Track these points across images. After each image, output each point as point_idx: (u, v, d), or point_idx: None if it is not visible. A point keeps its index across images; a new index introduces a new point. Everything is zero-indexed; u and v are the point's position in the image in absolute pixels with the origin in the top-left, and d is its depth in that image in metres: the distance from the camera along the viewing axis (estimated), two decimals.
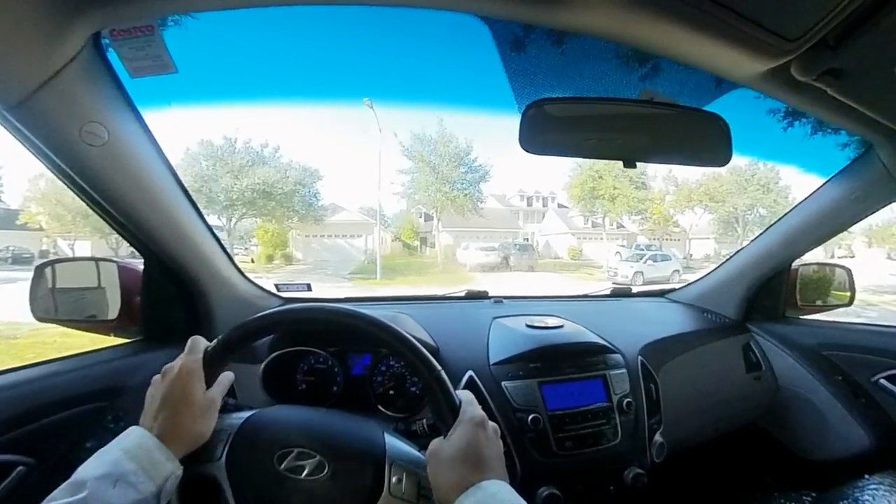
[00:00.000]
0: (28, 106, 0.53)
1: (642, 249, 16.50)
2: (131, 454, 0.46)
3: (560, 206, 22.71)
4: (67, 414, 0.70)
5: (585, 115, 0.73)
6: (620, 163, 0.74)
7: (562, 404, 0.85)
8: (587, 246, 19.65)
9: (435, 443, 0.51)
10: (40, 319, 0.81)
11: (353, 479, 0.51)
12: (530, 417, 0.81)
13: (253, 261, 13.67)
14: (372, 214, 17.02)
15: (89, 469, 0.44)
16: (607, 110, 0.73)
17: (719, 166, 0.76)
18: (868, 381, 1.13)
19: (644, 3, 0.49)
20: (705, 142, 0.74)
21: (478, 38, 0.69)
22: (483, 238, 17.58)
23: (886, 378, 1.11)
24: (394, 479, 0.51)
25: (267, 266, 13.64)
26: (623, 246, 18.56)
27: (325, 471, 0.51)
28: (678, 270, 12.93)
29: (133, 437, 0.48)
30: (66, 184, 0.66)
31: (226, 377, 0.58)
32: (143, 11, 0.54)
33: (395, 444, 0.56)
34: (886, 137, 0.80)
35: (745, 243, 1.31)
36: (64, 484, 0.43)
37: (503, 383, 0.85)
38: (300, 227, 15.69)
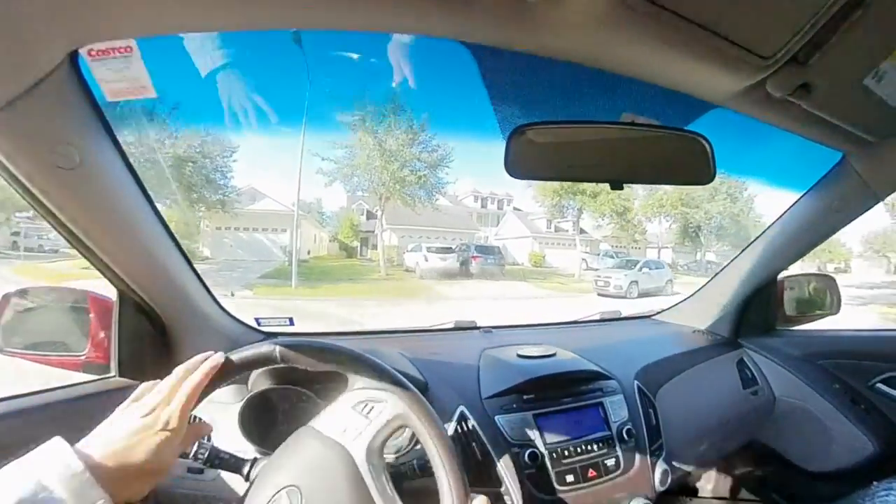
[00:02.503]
0: None
1: (613, 256, 16.52)
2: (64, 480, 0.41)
3: (516, 209, 22.44)
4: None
5: (569, 139, 0.77)
6: None
7: (559, 436, 0.86)
8: (550, 252, 19.14)
9: None
10: (4, 353, 0.79)
11: None
12: (527, 452, 0.82)
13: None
14: (303, 206, 14.60)
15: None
16: (591, 134, 0.78)
17: (703, 184, 0.80)
18: (865, 386, 1.21)
19: (618, 25, 0.52)
20: (688, 161, 0.79)
21: (462, 65, 0.72)
22: (435, 239, 15.90)
23: (883, 381, 1.18)
24: None
25: None
26: (588, 252, 18.36)
27: None
28: (671, 280, 12.74)
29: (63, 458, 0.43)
30: (33, 207, 0.64)
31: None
32: (123, 30, 0.54)
33: None
34: (860, 147, 0.88)
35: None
36: None
37: (496, 417, 0.85)
38: (210, 216, 13.10)
